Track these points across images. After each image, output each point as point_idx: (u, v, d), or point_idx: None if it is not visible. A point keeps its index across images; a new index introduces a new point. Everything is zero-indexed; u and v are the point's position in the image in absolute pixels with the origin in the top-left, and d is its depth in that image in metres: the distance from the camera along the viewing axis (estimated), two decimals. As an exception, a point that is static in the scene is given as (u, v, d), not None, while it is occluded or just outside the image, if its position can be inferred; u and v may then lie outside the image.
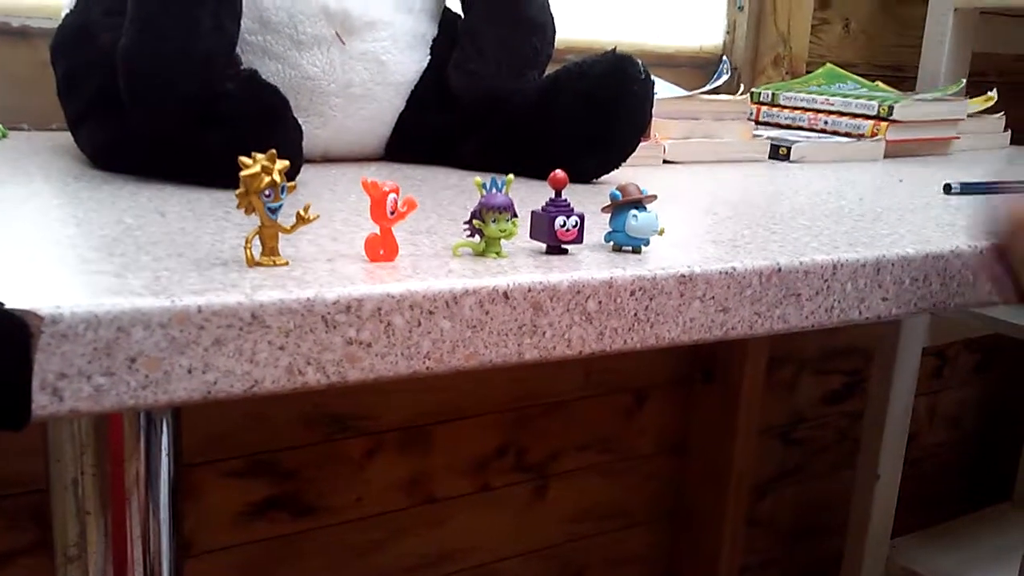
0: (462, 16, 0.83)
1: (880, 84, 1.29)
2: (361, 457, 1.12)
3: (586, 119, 0.76)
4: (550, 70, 0.82)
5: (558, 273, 0.45)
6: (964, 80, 1.32)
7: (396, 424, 1.14)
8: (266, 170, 0.41)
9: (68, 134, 0.72)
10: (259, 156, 0.41)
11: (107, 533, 0.49)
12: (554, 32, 0.85)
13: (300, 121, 0.66)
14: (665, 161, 0.96)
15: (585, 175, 0.78)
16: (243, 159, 0.41)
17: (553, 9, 0.84)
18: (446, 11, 0.85)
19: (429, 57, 0.82)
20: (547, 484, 1.29)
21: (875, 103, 1.13)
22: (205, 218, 0.52)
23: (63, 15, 0.74)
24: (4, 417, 0.33)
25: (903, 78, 1.45)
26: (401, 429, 1.14)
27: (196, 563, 1.03)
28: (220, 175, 0.60)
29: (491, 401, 1.21)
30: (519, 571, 1.30)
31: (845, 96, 1.17)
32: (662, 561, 1.46)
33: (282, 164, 0.42)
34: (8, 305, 0.33)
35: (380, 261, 0.45)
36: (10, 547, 0.93)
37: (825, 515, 1.62)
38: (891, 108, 1.11)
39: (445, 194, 0.68)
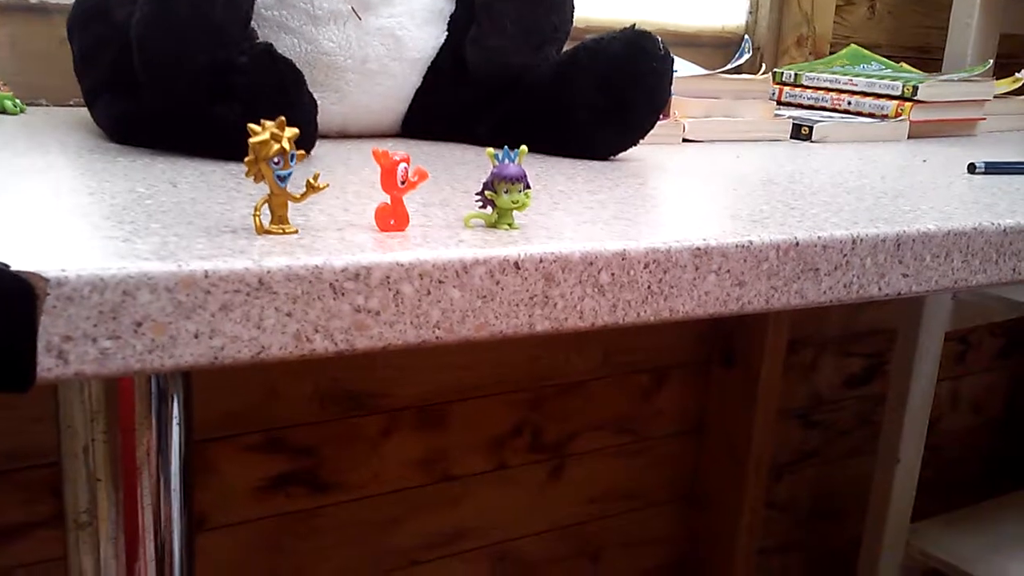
0: (480, -9, 0.82)
1: (905, 65, 1.27)
2: (377, 434, 1.13)
3: (603, 95, 0.75)
4: (568, 47, 0.81)
5: (570, 244, 0.45)
6: (991, 61, 1.29)
7: (412, 402, 1.14)
8: (275, 137, 0.41)
9: (85, 110, 0.73)
10: (268, 123, 0.41)
11: (118, 500, 0.49)
12: (573, 9, 0.84)
13: (316, 96, 0.66)
14: (684, 139, 0.95)
15: (602, 152, 0.77)
16: (252, 126, 0.41)
17: (573, -14, 0.83)
18: (464, -14, 0.84)
19: (446, 33, 0.81)
20: (563, 464, 1.29)
21: (899, 83, 1.11)
22: (217, 189, 0.52)
23: (80, -10, 0.74)
24: (9, 379, 0.33)
25: (929, 60, 1.43)
26: (417, 407, 1.15)
27: (212, 537, 1.04)
28: (233, 148, 0.59)
29: (508, 380, 1.21)
30: (535, 550, 1.30)
31: (869, 77, 1.15)
32: (679, 542, 1.46)
33: (291, 132, 0.42)
34: (14, 268, 0.33)
35: (390, 231, 0.45)
36: (28, 519, 0.93)
37: (844, 499, 1.61)
38: (915, 88, 1.10)
39: (460, 169, 0.67)
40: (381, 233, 0.44)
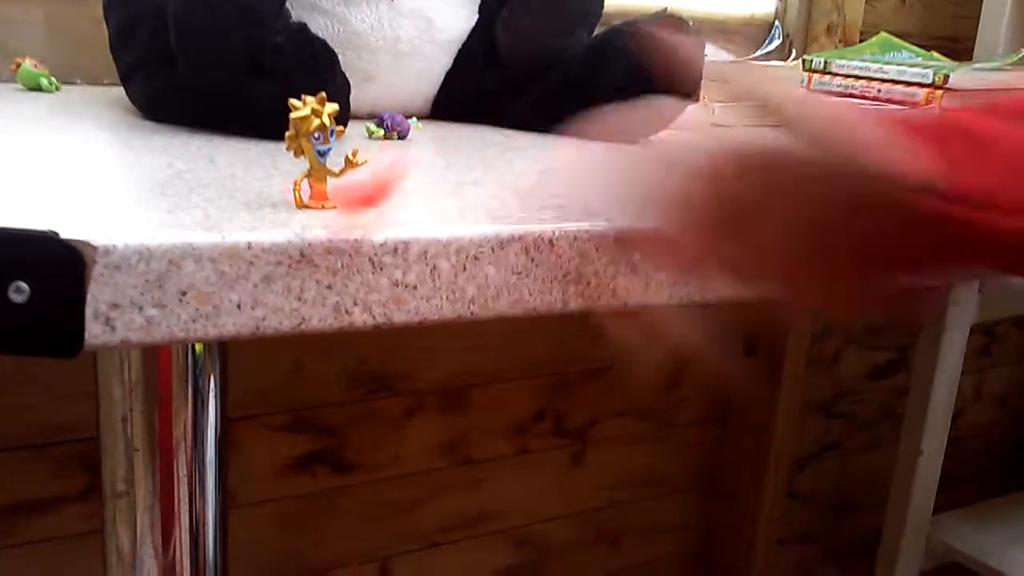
0: (511, -26, 0.82)
1: (935, 54, 1.26)
2: (401, 416, 1.13)
3: (633, 79, 0.75)
4: (599, 31, 0.81)
5: (604, 222, 0.45)
6: (1023, 51, 1.28)
7: (436, 385, 1.15)
8: (316, 112, 0.41)
9: (119, 89, 0.73)
10: (309, 99, 0.42)
11: (155, 471, 0.50)
12: (604, -8, 0.84)
13: (347, 77, 0.67)
14: (714, 124, 0.95)
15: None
16: (293, 102, 0.41)
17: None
18: (495, -31, 0.84)
19: (477, 15, 0.82)
20: (585, 449, 1.30)
21: (930, 71, 1.10)
22: (254, 166, 0.53)
23: (116, -31, 0.75)
24: (59, 345, 0.34)
25: (959, 49, 1.42)
26: (441, 390, 1.15)
27: (238, 514, 1.05)
28: (269, 127, 0.60)
29: (531, 365, 1.21)
30: (556, 534, 1.31)
31: (899, 64, 1.14)
32: (699, 531, 1.46)
33: (331, 108, 0.42)
34: (63, 235, 0.33)
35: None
36: (59, 493, 0.95)
37: (865, 490, 1.61)
38: (947, 77, 1.09)
39: (491, 150, 0.68)
40: (423, 209, 0.44)
